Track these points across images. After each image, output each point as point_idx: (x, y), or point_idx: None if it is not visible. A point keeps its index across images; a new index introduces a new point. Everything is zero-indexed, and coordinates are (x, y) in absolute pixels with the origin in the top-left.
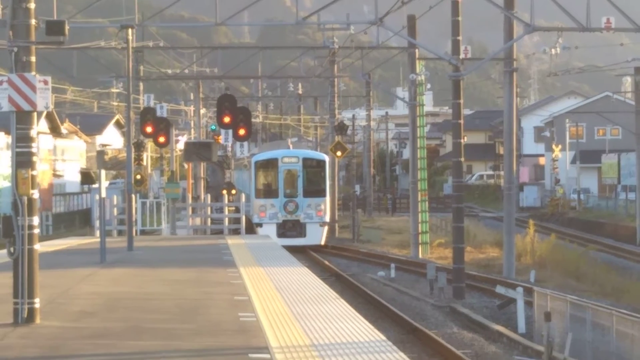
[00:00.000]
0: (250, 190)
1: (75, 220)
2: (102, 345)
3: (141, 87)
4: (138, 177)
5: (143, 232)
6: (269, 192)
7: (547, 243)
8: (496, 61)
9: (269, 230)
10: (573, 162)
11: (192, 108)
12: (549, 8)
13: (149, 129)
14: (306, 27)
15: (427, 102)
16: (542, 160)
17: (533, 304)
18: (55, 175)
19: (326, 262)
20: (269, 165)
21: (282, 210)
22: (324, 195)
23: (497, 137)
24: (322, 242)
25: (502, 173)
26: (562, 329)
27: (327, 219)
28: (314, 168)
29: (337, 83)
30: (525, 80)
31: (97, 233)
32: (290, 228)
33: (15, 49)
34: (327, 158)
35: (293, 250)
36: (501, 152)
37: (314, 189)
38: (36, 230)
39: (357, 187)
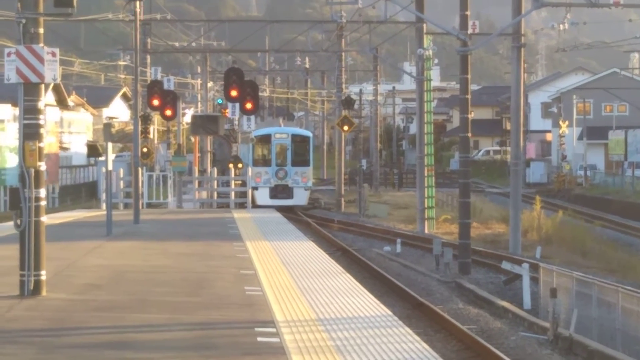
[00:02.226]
0: (249, 160)
1: (81, 193)
2: (108, 317)
3: (148, 60)
4: (145, 150)
5: (149, 205)
6: (263, 161)
7: (553, 219)
8: (504, 36)
9: (263, 192)
10: (580, 138)
11: (199, 81)
12: None
13: (155, 102)
14: (314, 1)
15: (435, 77)
16: (549, 136)
17: (539, 280)
18: (62, 148)
19: (332, 237)
20: (264, 140)
21: (274, 176)
22: (309, 165)
23: (504, 112)
24: (306, 203)
25: (508, 149)
26: (568, 305)
27: (310, 184)
28: (300, 142)
29: (345, 57)
30: (533, 56)
31: (104, 206)
32: (280, 191)
33: (24, 21)
34: (311, 134)
35: (284, 210)
36: (508, 127)
37: (300, 160)
38: (43, 203)
39: (364, 162)
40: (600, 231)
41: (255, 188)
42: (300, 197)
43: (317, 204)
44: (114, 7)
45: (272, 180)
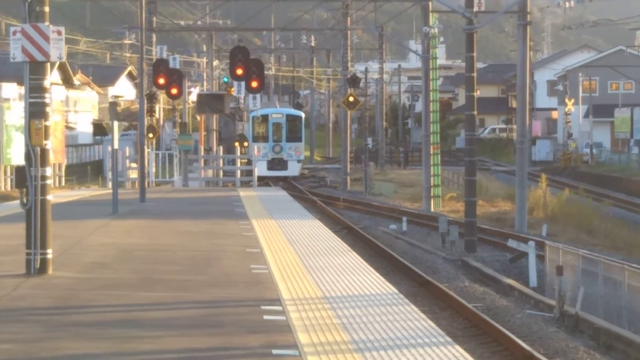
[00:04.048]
0: (249, 136)
1: (87, 171)
2: (114, 296)
3: (154, 39)
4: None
5: (157, 184)
6: (262, 137)
7: (559, 197)
8: (510, 14)
9: (262, 165)
10: (586, 116)
11: (204, 60)
12: None
13: (161, 81)
14: None
15: (440, 55)
16: (554, 114)
17: (545, 257)
18: (68, 127)
19: (338, 215)
20: (262, 119)
21: (271, 151)
22: (301, 141)
23: (510, 90)
24: (298, 174)
25: (514, 127)
26: (574, 283)
27: (302, 157)
28: (293, 121)
29: (350, 36)
30: (539, 34)
31: (110, 184)
32: (276, 164)
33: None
34: (303, 114)
35: (278, 179)
36: (514, 105)
37: (294, 136)
38: (49, 181)
39: (370, 140)
40: (606, 209)
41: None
42: (294, 169)
43: (322, 182)
44: None
45: (269, 154)
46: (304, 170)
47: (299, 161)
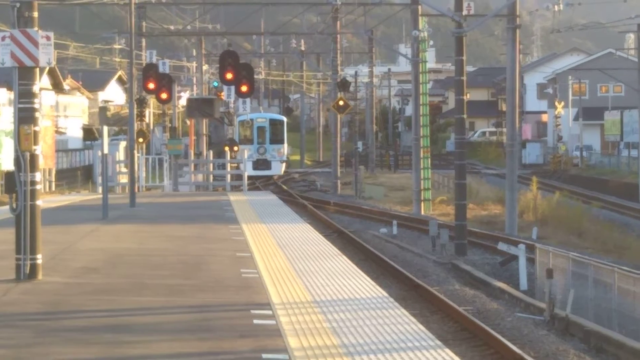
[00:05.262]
0: (236, 139)
1: (77, 176)
2: (104, 300)
3: (143, 44)
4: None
5: (147, 189)
6: (247, 140)
7: (549, 200)
8: (499, 18)
9: (248, 165)
10: (576, 119)
11: (194, 64)
12: None
13: (151, 86)
14: None
15: (430, 58)
16: (544, 117)
17: (535, 260)
18: (58, 132)
19: (328, 219)
20: (247, 123)
21: (256, 152)
22: (283, 143)
23: (499, 94)
24: (282, 172)
25: (504, 130)
26: (564, 286)
27: (285, 158)
28: (276, 125)
29: (340, 40)
30: (528, 37)
31: (100, 189)
32: (261, 164)
33: (18, 5)
34: (285, 119)
35: (265, 180)
36: (504, 109)
37: (276, 139)
38: (39, 186)
39: (360, 144)
40: (596, 212)
41: (239, 160)
42: (277, 168)
43: (313, 186)
44: None
45: (254, 155)
46: (295, 174)
47: (282, 161)
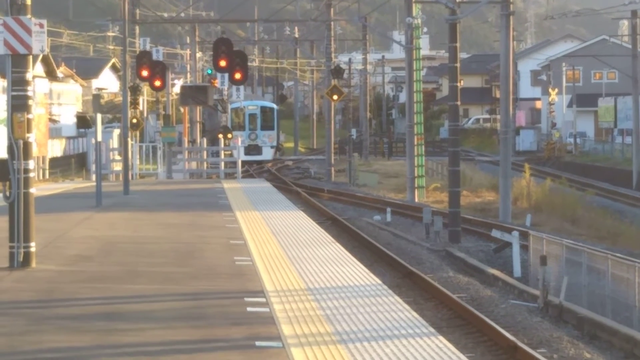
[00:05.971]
0: (230, 126)
1: (71, 164)
2: (98, 288)
3: (137, 31)
4: (134, 120)
5: (141, 177)
6: (239, 126)
7: (543, 187)
8: (493, 4)
9: (239, 151)
10: (569, 105)
11: (188, 52)
12: None
13: (145, 73)
14: None
15: (424, 45)
16: (538, 104)
17: (529, 247)
18: (51, 120)
19: (322, 206)
20: (240, 110)
21: (247, 138)
22: (273, 129)
23: (493, 80)
24: (272, 158)
25: (498, 117)
26: (558, 272)
27: (275, 144)
28: (267, 112)
29: (334, 27)
30: (522, 24)
31: (94, 177)
32: (252, 149)
33: None
34: (275, 106)
35: (259, 167)
36: (497, 95)
37: (267, 125)
38: (32, 174)
39: (354, 131)
40: (590, 198)
41: (233, 147)
42: (267, 153)
43: (306, 174)
44: None
45: (246, 141)
46: (289, 161)
47: (272, 147)
